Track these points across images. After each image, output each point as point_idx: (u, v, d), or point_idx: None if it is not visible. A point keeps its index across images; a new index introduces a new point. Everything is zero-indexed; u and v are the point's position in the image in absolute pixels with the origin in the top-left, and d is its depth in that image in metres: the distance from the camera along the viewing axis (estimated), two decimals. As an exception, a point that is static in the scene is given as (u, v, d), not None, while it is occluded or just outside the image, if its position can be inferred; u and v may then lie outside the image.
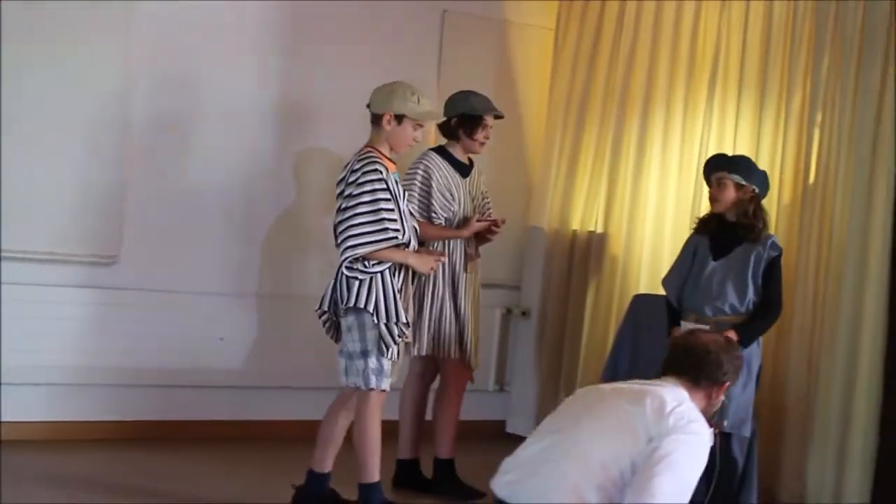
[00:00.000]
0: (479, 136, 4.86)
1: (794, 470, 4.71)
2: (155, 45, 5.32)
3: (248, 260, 5.61)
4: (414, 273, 4.36)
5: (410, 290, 4.39)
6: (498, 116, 4.95)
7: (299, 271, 5.70)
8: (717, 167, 4.52)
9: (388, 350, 4.22)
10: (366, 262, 4.22)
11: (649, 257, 5.51)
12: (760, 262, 4.42)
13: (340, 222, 4.23)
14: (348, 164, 4.32)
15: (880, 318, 4.41)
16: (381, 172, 4.21)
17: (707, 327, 4.36)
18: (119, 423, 5.32)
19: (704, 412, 3.37)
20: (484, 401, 5.94)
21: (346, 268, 4.22)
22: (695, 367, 3.44)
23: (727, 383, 3.51)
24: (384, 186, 4.22)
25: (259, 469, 5.07)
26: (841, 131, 4.64)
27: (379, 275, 4.23)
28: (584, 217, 5.84)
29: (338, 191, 4.31)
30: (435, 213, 4.79)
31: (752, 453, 4.56)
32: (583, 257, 5.79)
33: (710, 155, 5.22)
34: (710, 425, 3.36)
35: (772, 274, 4.44)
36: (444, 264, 4.74)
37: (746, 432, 4.45)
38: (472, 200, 4.92)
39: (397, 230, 4.22)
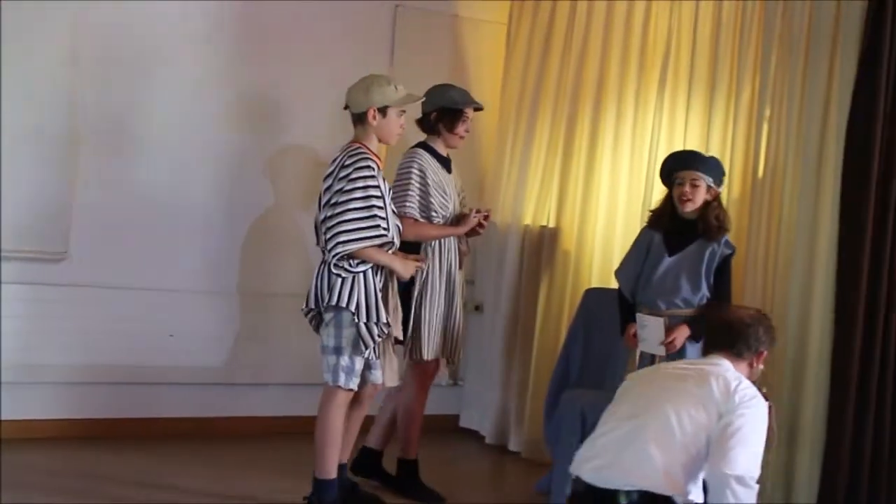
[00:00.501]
0: (460, 129, 4.82)
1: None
2: (105, 41, 5.29)
3: (210, 256, 5.60)
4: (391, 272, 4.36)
5: (394, 290, 4.38)
6: (478, 108, 4.92)
7: (262, 268, 5.69)
8: (689, 166, 4.46)
9: (365, 349, 4.22)
10: (351, 261, 4.21)
11: (601, 252, 5.55)
12: (714, 259, 4.45)
13: (330, 217, 4.21)
14: (336, 159, 4.30)
15: (828, 312, 4.45)
16: (372, 169, 4.21)
17: (662, 319, 4.41)
18: (71, 420, 5.27)
19: (749, 380, 3.59)
20: (438, 395, 5.92)
21: (334, 265, 4.20)
22: (737, 341, 3.65)
23: (765, 352, 3.72)
24: (376, 184, 4.21)
25: (234, 465, 5.08)
26: (789, 126, 4.69)
27: (361, 274, 4.22)
28: (537, 212, 5.86)
29: (324, 186, 4.28)
30: (435, 211, 4.73)
31: (704, 444, 4.62)
32: (535, 252, 5.81)
33: (660, 150, 5.29)
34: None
35: (723, 272, 4.48)
36: (440, 263, 4.74)
37: (697, 424, 4.50)
38: (459, 196, 4.91)
39: (388, 228, 4.22)
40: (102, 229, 5.32)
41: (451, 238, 4.80)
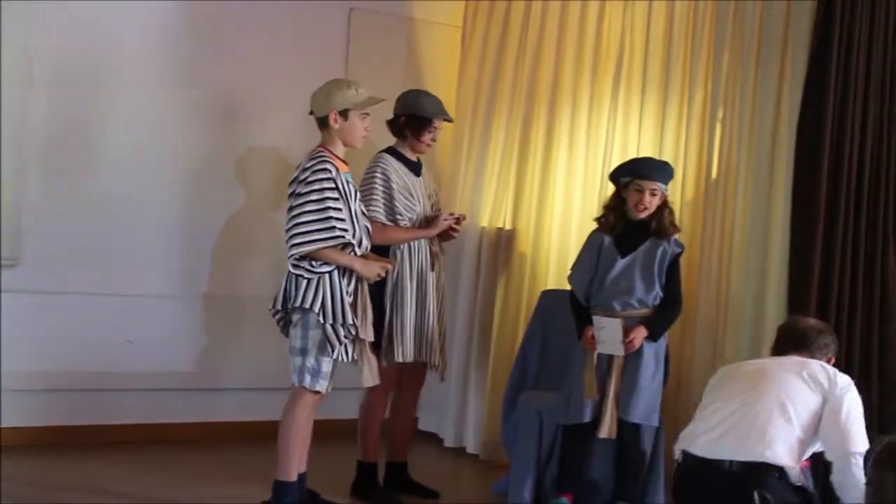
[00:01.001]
0: (426, 138, 4.83)
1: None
2: (61, 45, 5.26)
3: (169, 260, 5.58)
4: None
5: (364, 292, 4.36)
6: (447, 120, 4.94)
7: (221, 272, 5.67)
8: (653, 177, 4.49)
9: (332, 351, 4.21)
10: (312, 262, 4.22)
11: (557, 253, 5.56)
12: (666, 258, 4.51)
13: (287, 220, 4.23)
14: (300, 164, 4.31)
15: (781, 311, 4.50)
16: (330, 172, 4.22)
17: (619, 320, 4.44)
18: (27, 428, 5.22)
19: None
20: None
21: (293, 265, 4.22)
22: (811, 345, 3.90)
23: (832, 357, 3.96)
24: (333, 186, 4.21)
25: (193, 471, 5.05)
26: (741, 127, 4.74)
27: (327, 275, 4.22)
28: (493, 214, 5.87)
29: (288, 191, 4.29)
30: (400, 214, 4.73)
31: (660, 443, 4.65)
32: (492, 254, 5.82)
33: (615, 151, 5.32)
34: None
35: (673, 271, 4.53)
36: (410, 266, 4.74)
37: (654, 422, 4.53)
38: (429, 199, 4.91)
39: (345, 230, 4.21)
40: (57, 235, 5.26)
41: (422, 240, 4.80)
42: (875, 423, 4.10)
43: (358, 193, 4.40)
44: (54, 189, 5.28)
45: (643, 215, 4.51)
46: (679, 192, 5.01)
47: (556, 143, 5.63)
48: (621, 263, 4.53)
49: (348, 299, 4.26)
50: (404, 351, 4.73)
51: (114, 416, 5.44)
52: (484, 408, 5.69)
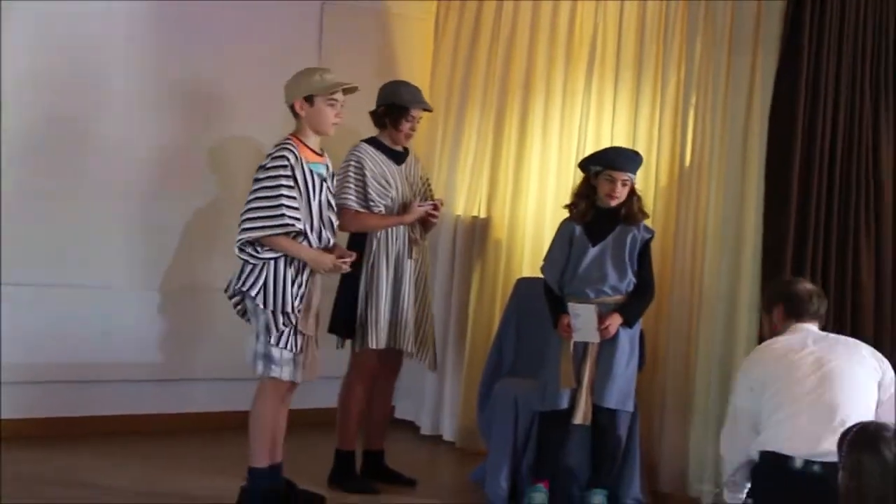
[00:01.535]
0: (405, 127, 4.85)
1: (676, 445, 4.83)
2: (32, 33, 5.20)
3: (138, 251, 5.54)
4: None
5: (316, 284, 4.35)
6: (426, 110, 4.95)
7: (192, 263, 5.64)
8: (623, 167, 4.51)
9: (272, 336, 4.21)
10: (257, 248, 4.21)
11: (532, 240, 5.58)
12: (636, 244, 4.55)
13: (244, 206, 4.23)
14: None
15: (754, 297, 4.53)
16: (287, 160, 4.21)
17: (594, 306, 4.46)
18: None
19: None
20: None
21: (238, 249, 4.22)
22: (819, 312, 3.88)
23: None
24: (289, 173, 4.20)
25: (167, 462, 5.05)
26: (714, 115, 4.77)
27: (272, 262, 4.21)
28: (468, 202, 5.88)
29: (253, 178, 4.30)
30: (373, 201, 4.74)
31: (634, 429, 4.68)
32: (467, 242, 5.83)
33: (588, 139, 5.34)
34: None
35: (644, 256, 4.57)
36: (387, 252, 4.74)
37: (630, 408, 4.56)
38: (411, 187, 4.90)
39: (297, 218, 4.20)
40: (27, 228, 5.21)
41: (400, 227, 4.81)
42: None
43: (325, 184, 4.37)
44: (23, 182, 5.21)
45: (614, 204, 4.54)
46: (653, 179, 5.04)
47: (529, 131, 5.64)
48: (593, 252, 4.56)
49: (294, 289, 4.24)
50: (377, 338, 4.73)
51: (87, 407, 5.41)
52: (460, 395, 5.71)
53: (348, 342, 4.85)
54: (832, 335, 3.83)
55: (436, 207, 4.89)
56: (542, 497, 4.56)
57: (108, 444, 5.24)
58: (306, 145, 4.33)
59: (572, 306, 4.51)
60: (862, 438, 2.76)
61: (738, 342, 4.60)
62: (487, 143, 5.81)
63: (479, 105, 5.87)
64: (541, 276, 4.79)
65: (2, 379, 5.13)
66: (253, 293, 4.21)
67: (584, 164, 4.65)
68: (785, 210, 4.45)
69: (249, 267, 4.24)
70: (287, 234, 4.21)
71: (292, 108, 4.35)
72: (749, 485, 3.77)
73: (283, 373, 4.28)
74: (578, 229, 4.60)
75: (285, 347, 4.26)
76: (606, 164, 4.54)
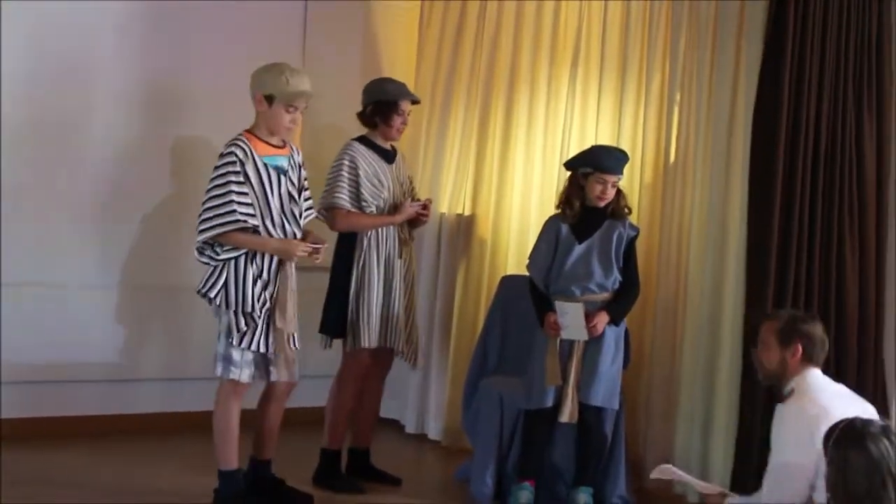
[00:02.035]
0: (396, 122, 4.83)
1: (661, 443, 4.83)
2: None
3: (111, 249, 5.49)
4: (283, 260, 4.30)
5: (286, 280, 4.31)
6: (414, 102, 4.92)
7: (165, 260, 5.58)
8: (614, 170, 4.51)
9: (233, 337, 4.19)
10: (217, 249, 4.20)
11: (517, 238, 5.57)
12: (622, 242, 4.55)
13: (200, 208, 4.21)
14: None
15: (739, 294, 4.54)
16: (235, 156, 4.19)
17: (581, 304, 4.45)
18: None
19: None
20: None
21: (197, 251, 4.20)
22: None
23: None
24: (237, 169, 4.17)
25: (142, 462, 5.03)
26: (699, 112, 4.76)
27: (232, 262, 4.18)
28: (452, 200, 5.86)
29: None
30: (365, 201, 4.72)
31: (620, 427, 4.68)
32: (451, 240, 5.81)
33: (573, 136, 5.33)
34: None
35: (630, 254, 4.57)
36: (377, 252, 4.72)
37: (615, 406, 4.56)
38: (401, 186, 4.89)
39: (249, 214, 4.16)
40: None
41: (390, 227, 4.79)
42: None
43: (285, 177, 4.31)
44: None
45: (603, 205, 4.55)
46: (638, 176, 5.04)
47: (514, 128, 5.63)
48: (579, 249, 4.55)
49: (256, 289, 4.20)
50: (370, 337, 4.72)
51: (58, 407, 5.37)
52: (445, 394, 5.69)
53: (335, 342, 4.83)
54: (844, 389, 3.71)
55: (426, 206, 4.88)
56: (528, 495, 4.55)
57: (81, 444, 5.20)
58: (261, 139, 4.29)
59: (560, 305, 4.49)
60: (848, 434, 2.76)
61: (723, 340, 4.60)
62: (472, 139, 5.80)
63: (463, 100, 5.85)
64: (526, 273, 4.77)
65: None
66: (212, 294, 4.19)
67: (572, 165, 4.63)
68: (769, 207, 4.45)
69: (210, 269, 4.22)
70: (242, 230, 4.17)
71: (253, 98, 4.32)
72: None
73: (243, 375, 4.24)
74: (565, 227, 4.59)
75: (248, 348, 4.22)
76: (597, 166, 4.52)
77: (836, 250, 4.51)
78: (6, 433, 5.09)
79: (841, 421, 2.85)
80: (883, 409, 4.26)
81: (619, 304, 4.55)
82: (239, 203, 4.15)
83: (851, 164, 4.53)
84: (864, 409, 3.51)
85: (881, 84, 4.57)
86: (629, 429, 4.82)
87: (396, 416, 6.04)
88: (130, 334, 5.55)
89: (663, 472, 3.96)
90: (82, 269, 5.41)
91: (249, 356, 4.24)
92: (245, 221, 4.16)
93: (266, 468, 4.50)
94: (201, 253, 4.21)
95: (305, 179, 4.45)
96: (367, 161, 4.77)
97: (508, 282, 5.26)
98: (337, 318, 4.76)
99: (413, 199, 4.90)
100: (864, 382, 4.41)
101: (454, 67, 5.90)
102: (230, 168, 4.17)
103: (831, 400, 3.54)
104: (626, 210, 4.60)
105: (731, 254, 4.60)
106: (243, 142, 4.24)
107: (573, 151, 4.98)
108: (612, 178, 4.50)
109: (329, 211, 4.73)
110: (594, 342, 4.49)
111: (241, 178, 4.18)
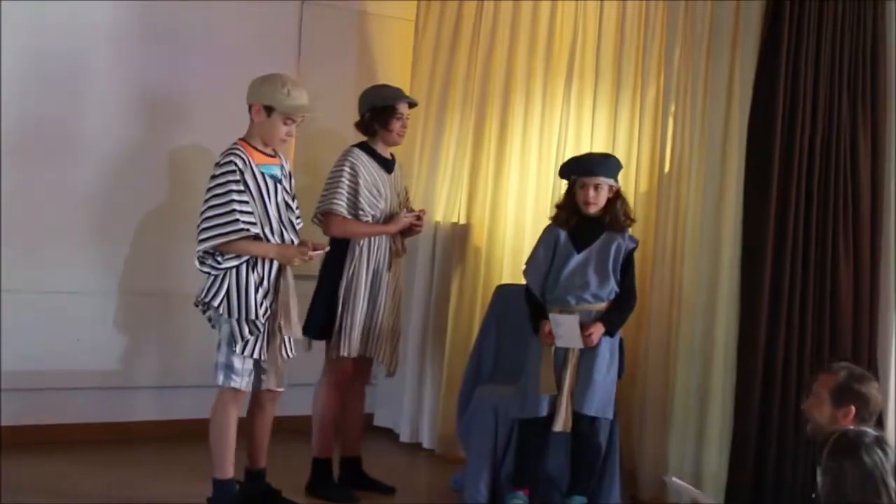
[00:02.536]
0: (395, 126, 4.82)
1: (655, 452, 4.83)
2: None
3: (108, 255, 5.48)
4: (282, 267, 4.31)
5: (286, 287, 4.32)
6: (412, 105, 4.91)
7: (163, 267, 5.59)
8: (592, 172, 4.52)
9: (237, 345, 4.20)
10: (218, 259, 4.20)
11: (511, 247, 5.57)
12: (620, 253, 4.54)
13: (199, 217, 4.20)
14: None
15: (733, 304, 4.54)
16: (235, 164, 4.19)
17: (576, 316, 4.45)
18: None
19: None
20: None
21: (199, 261, 4.20)
22: None
23: None
24: (237, 178, 4.18)
25: (139, 470, 5.02)
26: (694, 121, 4.77)
27: (234, 270, 4.18)
28: (447, 208, 5.86)
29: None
30: (362, 210, 4.72)
31: (614, 436, 4.68)
32: (446, 249, 5.81)
33: (568, 146, 5.34)
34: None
35: (628, 266, 4.56)
36: (367, 262, 4.72)
37: (609, 415, 4.56)
38: (398, 196, 4.90)
39: (251, 223, 4.17)
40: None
41: (383, 237, 4.79)
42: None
43: (280, 186, 4.33)
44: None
45: (593, 210, 4.54)
46: (633, 185, 5.04)
47: (509, 137, 5.64)
48: (577, 259, 4.55)
49: (258, 296, 4.22)
50: (350, 346, 4.72)
51: (63, 415, 5.37)
52: (439, 403, 5.68)
53: (315, 345, 4.82)
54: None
55: (419, 217, 4.88)
56: (522, 504, 4.55)
57: (79, 452, 5.19)
58: (255, 148, 4.30)
59: (554, 317, 4.49)
60: (843, 444, 2.77)
61: (717, 348, 4.60)
62: (467, 147, 5.80)
63: (458, 108, 5.86)
64: (521, 282, 4.77)
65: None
66: (216, 303, 4.19)
67: (562, 174, 4.66)
68: (764, 215, 4.46)
69: (211, 278, 4.22)
70: (244, 238, 4.18)
71: (250, 108, 4.32)
72: None
73: (243, 383, 4.26)
74: (564, 235, 4.59)
75: (251, 356, 4.23)
76: (577, 171, 4.56)
77: (830, 258, 4.52)
78: (4, 440, 5.08)
79: (835, 431, 2.86)
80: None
81: (615, 315, 4.54)
82: (241, 212, 4.16)
83: (846, 172, 4.54)
84: None
85: (876, 93, 4.58)
86: (623, 437, 4.81)
87: (390, 424, 6.04)
88: (127, 342, 5.54)
89: (673, 484, 3.93)
90: (79, 276, 5.40)
91: (250, 364, 4.25)
92: (248, 230, 4.17)
93: (261, 478, 4.49)
94: (202, 262, 4.21)
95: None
96: (367, 170, 4.77)
97: (503, 291, 5.26)
98: (320, 321, 4.75)
99: (408, 210, 4.90)
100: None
101: (449, 76, 5.91)
102: (230, 177, 4.17)
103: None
104: (626, 219, 4.57)
105: (725, 262, 4.61)
106: (241, 150, 4.25)
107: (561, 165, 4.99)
108: (592, 182, 4.50)
109: (325, 216, 4.73)
110: (589, 351, 4.49)
111: (242, 187, 4.19)
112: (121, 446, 5.36)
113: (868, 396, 3.59)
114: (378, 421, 6.08)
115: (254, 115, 4.29)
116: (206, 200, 4.19)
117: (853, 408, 3.53)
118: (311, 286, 4.81)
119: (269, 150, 4.35)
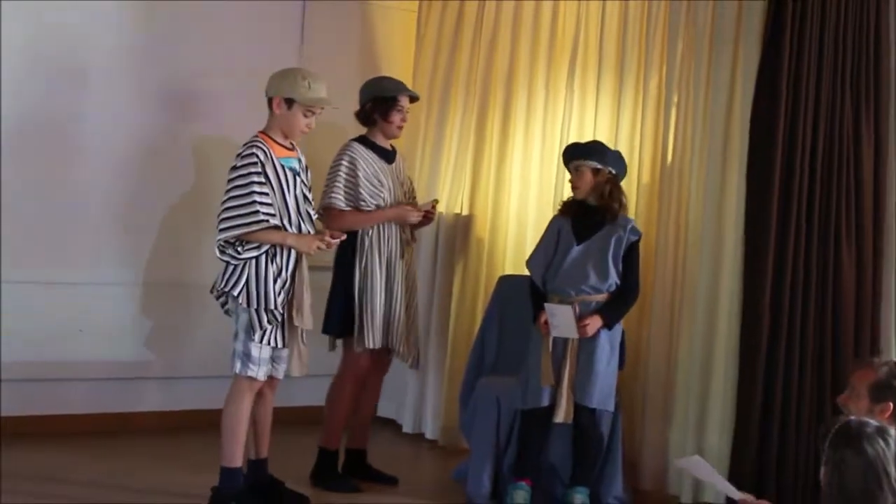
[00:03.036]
0: (395, 118, 4.83)
1: (657, 443, 4.83)
2: (18, 32, 5.17)
3: (117, 246, 5.50)
4: (300, 256, 4.34)
5: (302, 279, 4.35)
6: (413, 98, 4.92)
7: (171, 258, 5.60)
8: (573, 156, 4.64)
9: (255, 334, 4.22)
10: (238, 248, 4.24)
11: (514, 238, 5.58)
12: (621, 245, 4.55)
13: (219, 207, 4.25)
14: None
15: (735, 295, 4.55)
16: (256, 156, 4.24)
17: (570, 306, 4.46)
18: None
19: None
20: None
21: (219, 250, 4.24)
22: None
23: None
24: (259, 170, 4.23)
25: (146, 460, 5.03)
26: (696, 113, 4.77)
27: (254, 260, 4.21)
28: (450, 200, 5.86)
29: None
30: (364, 201, 4.73)
31: (616, 427, 4.69)
32: (449, 240, 5.82)
33: (571, 137, 5.34)
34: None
35: (630, 258, 4.58)
36: (379, 253, 4.73)
37: (611, 407, 4.57)
38: (402, 186, 4.91)
39: (271, 214, 4.21)
40: (5, 223, 5.17)
41: (392, 227, 4.81)
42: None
43: (298, 178, 4.38)
44: (5, 180, 5.18)
45: (578, 195, 4.61)
46: (635, 177, 5.04)
47: (512, 128, 5.64)
48: (577, 250, 4.57)
49: (277, 286, 4.25)
50: (374, 338, 4.74)
51: (69, 405, 5.38)
52: (442, 393, 5.69)
53: (338, 342, 4.83)
54: None
55: (433, 207, 4.92)
56: (525, 495, 4.56)
57: (87, 442, 5.20)
58: (275, 141, 4.36)
59: (549, 307, 4.51)
60: (844, 434, 2.77)
61: (719, 340, 4.61)
62: (470, 138, 5.80)
63: (461, 99, 5.86)
64: (523, 273, 4.79)
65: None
66: (235, 293, 4.24)
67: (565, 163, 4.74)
68: (766, 207, 4.46)
69: (231, 267, 4.26)
70: (262, 228, 4.22)
71: (270, 101, 4.36)
72: None
73: (260, 372, 4.29)
74: (567, 226, 4.62)
75: (269, 344, 4.27)
76: (563, 160, 4.71)
77: (832, 250, 4.52)
78: (6, 430, 5.09)
79: (836, 421, 2.86)
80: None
81: (614, 308, 4.55)
82: (261, 203, 4.20)
83: (849, 165, 4.54)
84: None
85: (878, 86, 4.59)
86: (625, 429, 4.82)
87: (393, 415, 6.05)
88: (155, 331, 5.56)
89: (692, 463, 3.92)
90: (89, 267, 5.41)
91: (267, 353, 4.29)
92: (267, 221, 4.21)
93: (263, 467, 4.51)
94: (222, 252, 4.25)
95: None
96: (366, 161, 4.78)
97: (506, 282, 5.27)
98: (341, 318, 4.77)
99: (412, 199, 4.89)
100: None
101: (452, 68, 5.90)
102: (252, 168, 4.22)
103: None
104: (615, 203, 4.57)
105: (727, 254, 4.61)
106: (262, 143, 4.30)
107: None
108: (573, 165, 4.61)
109: (325, 211, 4.75)
110: (588, 343, 4.50)
111: (263, 179, 4.24)
112: (125, 436, 5.38)
113: None
114: (381, 412, 6.08)
115: (275, 108, 4.34)
116: (228, 191, 4.24)
117: (892, 405, 3.50)
118: (325, 277, 4.82)
119: (287, 143, 4.40)
